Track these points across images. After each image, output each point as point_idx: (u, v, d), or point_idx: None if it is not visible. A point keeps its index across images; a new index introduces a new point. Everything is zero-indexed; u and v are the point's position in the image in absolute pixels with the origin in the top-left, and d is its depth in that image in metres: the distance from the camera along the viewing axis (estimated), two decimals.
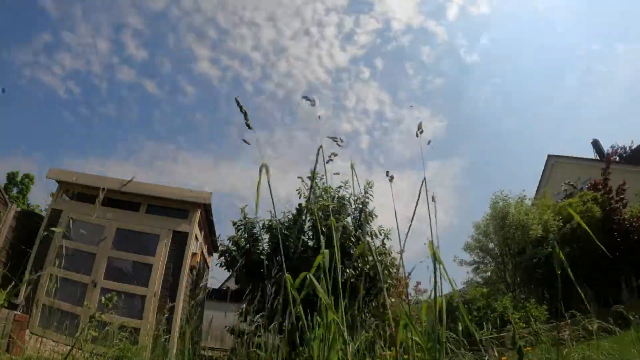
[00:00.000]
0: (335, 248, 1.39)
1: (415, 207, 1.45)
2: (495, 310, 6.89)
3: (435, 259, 1.09)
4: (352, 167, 1.63)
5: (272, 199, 1.44)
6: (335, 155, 1.64)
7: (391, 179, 1.72)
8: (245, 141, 1.33)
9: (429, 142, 1.59)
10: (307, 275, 1.17)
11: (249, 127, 1.33)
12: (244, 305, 6.96)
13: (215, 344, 7.33)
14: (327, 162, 1.62)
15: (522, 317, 6.71)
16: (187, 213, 7.41)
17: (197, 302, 7.30)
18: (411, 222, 1.51)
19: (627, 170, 13.41)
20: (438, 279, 1.18)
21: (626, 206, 9.68)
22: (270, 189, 1.32)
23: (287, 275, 1.19)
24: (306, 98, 1.53)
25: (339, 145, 1.59)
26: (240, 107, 1.33)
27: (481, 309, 7.08)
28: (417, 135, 1.57)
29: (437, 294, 1.28)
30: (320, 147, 1.44)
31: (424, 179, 1.42)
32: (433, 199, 1.43)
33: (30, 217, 7.33)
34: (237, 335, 6.22)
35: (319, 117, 1.56)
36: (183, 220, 7.32)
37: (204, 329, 7.23)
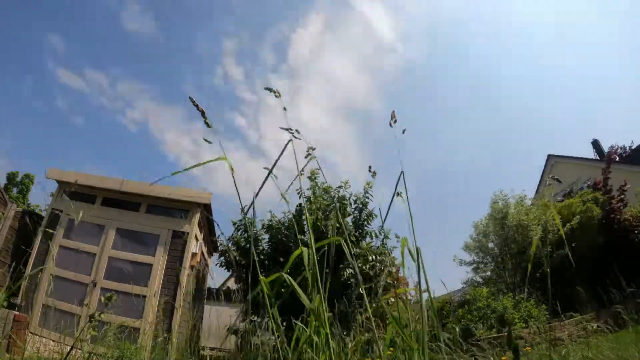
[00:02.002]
0: (310, 246, 1.37)
1: (391, 202, 1.44)
2: (495, 310, 6.87)
3: (418, 257, 1.08)
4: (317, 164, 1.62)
5: (239, 195, 1.43)
6: (314, 149, 1.62)
7: (374, 174, 1.72)
8: (206, 140, 1.32)
9: (403, 131, 1.56)
10: (285, 276, 1.15)
11: (208, 126, 1.33)
12: (244, 305, 6.97)
13: (214, 343, 7.34)
14: (306, 157, 1.60)
15: (522, 316, 6.71)
16: (187, 213, 7.42)
17: (196, 302, 7.30)
18: (386, 214, 1.49)
19: (627, 170, 13.39)
20: (420, 278, 1.18)
21: (626, 206, 9.66)
22: (236, 187, 1.33)
23: (261, 277, 1.18)
24: (269, 89, 1.52)
25: (295, 137, 1.56)
26: (197, 106, 1.33)
27: (481, 309, 7.07)
28: (390, 125, 1.54)
29: (431, 295, 1.28)
30: (290, 140, 1.43)
31: (402, 172, 1.40)
32: (399, 194, 1.41)
33: (30, 217, 7.34)
34: (237, 335, 6.22)
35: (285, 108, 1.54)
36: (183, 220, 7.32)
37: (204, 328, 7.24)
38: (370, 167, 1.73)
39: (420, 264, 1.09)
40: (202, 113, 1.32)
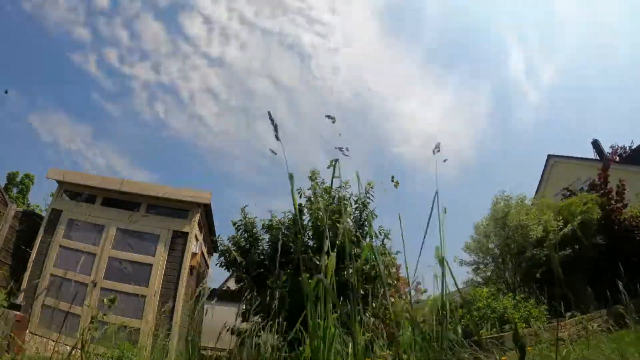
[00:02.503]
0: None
1: (430, 216, 1.48)
2: (496, 310, 6.87)
3: (444, 265, 1.10)
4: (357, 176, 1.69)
5: (296, 210, 1.42)
6: (337, 161, 1.72)
7: (397, 184, 1.76)
8: (272, 151, 1.40)
9: (445, 160, 1.67)
10: (321, 280, 1.17)
11: (278, 139, 1.40)
12: (244, 305, 6.97)
13: (215, 343, 7.33)
14: (328, 167, 1.69)
15: (522, 316, 6.70)
16: (187, 213, 7.41)
17: (197, 302, 7.27)
18: (423, 239, 1.54)
19: (627, 170, 13.40)
20: (442, 284, 1.19)
21: (626, 206, 9.69)
22: (294, 199, 1.36)
23: (304, 275, 1.22)
24: (328, 117, 1.62)
25: (345, 155, 1.66)
26: (272, 120, 1.40)
27: (481, 309, 7.07)
28: (433, 153, 1.65)
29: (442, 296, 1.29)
30: (337, 160, 1.53)
31: (436, 192, 1.48)
32: (445, 210, 1.48)
33: (30, 217, 7.34)
34: (238, 335, 6.22)
35: (340, 134, 1.65)
36: (183, 220, 7.32)
37: (204, 328, 7.23)
38: (392, 177, 1.80)
39: (449, 271, 1.12)
40: (275, 127, 1.41)
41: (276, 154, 1.39)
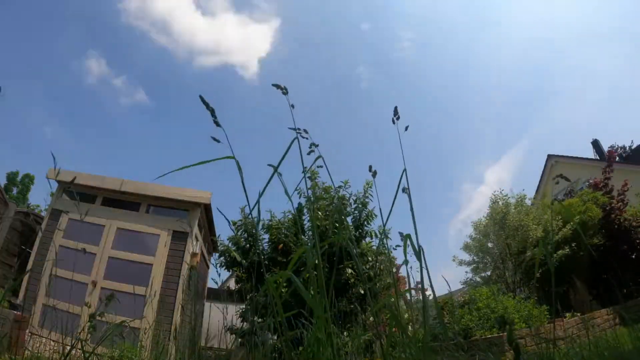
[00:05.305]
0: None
1: (394, 199, 1.38)
2: (495, 310, 6.86)
3: (421, 256, 1.05)
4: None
5: (247, 197, 1.35)
6: (317, 145, 1.53)
7: (374, 174, 1.65)
8: (214, 139, 1.27)
9: (406, 128, 1.49)
10: (291, 276, 1.13)
11: (217, 125, 1.28)
12: (244, 305, 6.97)
13: (214, 343, 7.34)
14: (308, 154, 1.51)
15: (522, 316, 6.69)
16: (187, 213, 7.42)
17: (196, 302, 7.30)
18: (390, 210, 1.42)
19: (627, 170, 13.41)
20: (422, 279, 1.15)
21: (627, 206, 9.69)
22: (244, 188, 1.27)
23: (267, 276, 1.15)
24: (277, 86, 1.46)
25: (303, 137, 1.48)
26: (207, 105, 1.28)
27: (481, 309, 7.05)
28: (393, 122, 1.48)
29: (434, 294, 1.28)
30: (296, 138, 1.35)
31: (404, 169, 1.35)
32: (404, 190, 1.34)
33: (31, 217, 7.35)
34: (237, 335, 6.23)
35: (292, 106, 1.47)
36: (183, 220, 7.33)
37: (204, 328, 7.22)
38: (370, 166, 1.66)
39: (423, 263, 1.07)
40: (212, 112, 1.29)
41: (219, 141, 1.26)
